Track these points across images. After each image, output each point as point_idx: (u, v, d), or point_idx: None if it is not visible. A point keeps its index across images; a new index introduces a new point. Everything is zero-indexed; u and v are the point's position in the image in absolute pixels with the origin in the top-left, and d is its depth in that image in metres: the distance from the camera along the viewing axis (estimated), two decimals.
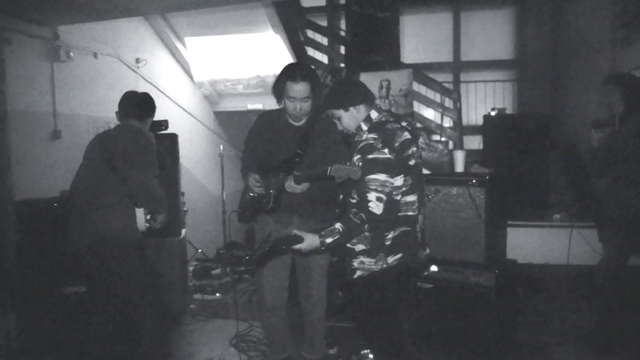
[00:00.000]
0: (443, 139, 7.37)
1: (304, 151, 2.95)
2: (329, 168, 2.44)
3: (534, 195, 5.16)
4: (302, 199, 2.92)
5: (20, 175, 4.31)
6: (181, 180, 4.65)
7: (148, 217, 3.13)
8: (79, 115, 5.32)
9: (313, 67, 3.61)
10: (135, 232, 3.07)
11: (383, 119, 2.47)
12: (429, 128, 7.55)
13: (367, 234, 2.38)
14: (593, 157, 3.61)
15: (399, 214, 2.39)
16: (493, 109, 5.78)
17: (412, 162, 2.42)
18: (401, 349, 2.54)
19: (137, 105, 3.28)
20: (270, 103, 3.45)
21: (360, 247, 2.41)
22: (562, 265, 4.36)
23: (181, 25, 7.05)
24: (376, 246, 2.38)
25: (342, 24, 7.97)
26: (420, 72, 7.24)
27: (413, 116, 6.56)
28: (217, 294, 5.04)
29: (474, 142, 6.91)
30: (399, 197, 2.37)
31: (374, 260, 2.39)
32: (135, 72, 6.32)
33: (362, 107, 2.48)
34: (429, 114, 7.89)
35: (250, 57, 7.31)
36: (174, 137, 4.42)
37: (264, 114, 3.24)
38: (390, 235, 2.38)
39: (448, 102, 7.44)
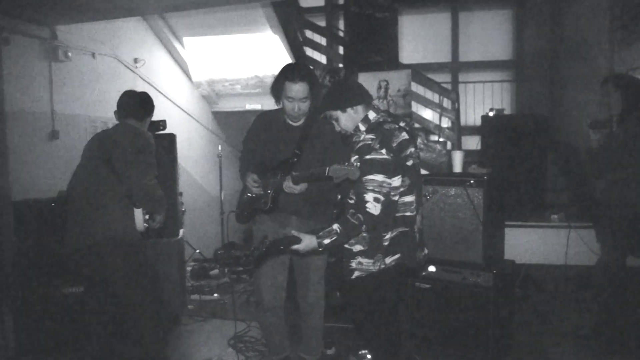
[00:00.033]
0: (441, 140, 7.38)
1: (302, 151, 2.95)
2: (327, 168, 2.44)
3: (532, 195, 5.16)
4: (300, 199, 2.92)
5: (18, 175, 4.31)
6: (179, 181, 4.65)
7: (146, 217, 3.13)
8: (77, 115, 5.31)
9: (311, 67, 3.61)
10: (134, 233, 3.07)
11: (381, 120, 2.47)
12: (427, 128, 7.55)
13: (365, 234, 2.39)
14: (592, 157, 3.62)
15: (397, 214, 2.39)
16: (491, 110, 5.78)
17: (410, 163, 2.42)
18: (399, 350, 2.55)
19: (136, 104, 3.27)
20: (268, 103, 3.45)
21: (358, 247, 2.41)
22: (560, 265, 4.36)
23: (179, 25, 7.05)
24: (374, 247, 2.38)
25: (341, 24, 7.98)
26: (418, 72, 7.25)
27: (411, 116, 6.56)
28: (215, 295, 5.04)
29: (472, 143, 6.91)
30: (396, 198, 2.37)
31: (371, 260, 2.39)
32: (133, 72, 6.32)
33: (359, 108, 2.48)
34: (427, 114, 7.89)
35: (248, 57, 7.31)
36: (172, 137, 4.41)
37: (262, 114, 3.24)
38: (388, 236, 2.38)
39: (446, 103, 7.45)
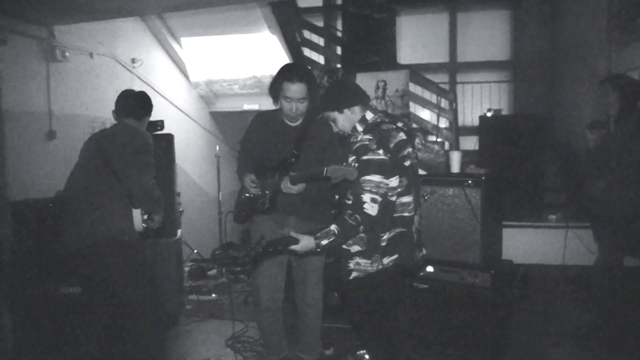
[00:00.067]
0: (439, 140, 7.39)
1: (300, 152, 2.95)
2: (325, 169, 2.44)
3: (530, 195, 5.17)
4: (298, 199, 2.92)
5: (15, 175, 4.29)
6: (177, 181, 4.64)
7: (145, 217, 3.13)
8: (75, 116, 5.30)
9: (309, 67, 3.61)
10: (133, 233, 3.06)
11: (378, 120, 2.47)
12: (425, 129, 7.56)
13: (362, 235, 2.38)
14: (589, 158, 3.63)
15: (395, 215, 2.39)
16: (489, 110, 5.79)
17: (407, 163, 2.42)
18: (397, 350, 2.54)
19: (135, 104, 3.26)
20: (266, 103, 3.45)
21: (355, 248, 2.41)
22: (558, 265, 4.37)
23: (177, 26, 7.04)
24: (372, 247, 2.38)
25: (339, 25, 7.99)
26: (416, 72, 7.25)
27: (409, 117, 6.57)
28: (213, 295, 5.04)
29: (470, 143, 6.91)
30: (394, 198, 2.37)
31: (369, 261, 2.39)
32: (131, 72, 6.31)
33: (356, 109, 2.48)
34: (425, 114, 7.90)
35: (246, 58, 7.30)
36: (170, 138, 4.41)
37: (260, 115, 3.24)
38: (385, 237, 2.38)
39: (444, 103, 7.45)
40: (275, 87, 2.90)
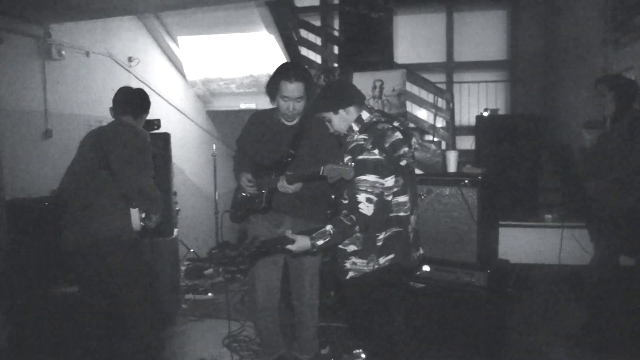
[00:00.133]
0: (436, 139, 7.39)
1: (297, 151, 2.95)
2: (322, 168, 2.43)
3: (526, 195, 5.18)
4: (295, 199, 2.92)
5: (11, 174, 4.28)
6: (173, 180, 4.64)
7: (143, 216, 3.12)
8: (71, 114, 5.29)
9: (307, 67, 3.61)
10: (131, 232, 3.06)
11: (374, 120, 2.46)
12: (421, 128, 7.57)
13: (358, 234, 2.38)
14: (585, 158, 3.63)
15: (391, 214, 2.39)
16: (486, 110, 5.81)
17: (403, 163, 2.41)
18: (393, 349, 2.54)
19: (132, 101, 3.25)
20: (263, 102, 3.44)
21: (352, 248, 2.41)
22: (554, 265, 4.37)
23: (174, 24, 7.03)
24: (368, 247, 2.38)
25: (336, 24, 7.98)
26: (413, 72, 7.26)
27: (406, 116, 6.57)
28: (209, 294, 5.03)
29: (467, 143, 6.94)
30: (390, 198, 2.37)
31: (365, 261, 2.39)
32: (127, 70, 6.30)
33: (352, 109, 2.48)
34: (422, 114, 7.91)
35: (243, 57, 7.30)
36: (166, 137, 4.40)
37: (256, 114, 3.23)
38: (381, 236, 2.38)
39: (441, 103, 7.46)
40: (273, 86, 2.89)
